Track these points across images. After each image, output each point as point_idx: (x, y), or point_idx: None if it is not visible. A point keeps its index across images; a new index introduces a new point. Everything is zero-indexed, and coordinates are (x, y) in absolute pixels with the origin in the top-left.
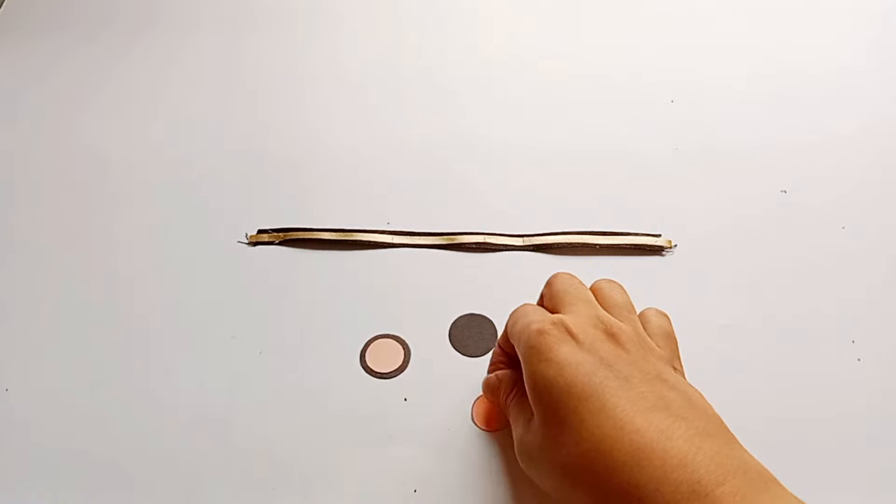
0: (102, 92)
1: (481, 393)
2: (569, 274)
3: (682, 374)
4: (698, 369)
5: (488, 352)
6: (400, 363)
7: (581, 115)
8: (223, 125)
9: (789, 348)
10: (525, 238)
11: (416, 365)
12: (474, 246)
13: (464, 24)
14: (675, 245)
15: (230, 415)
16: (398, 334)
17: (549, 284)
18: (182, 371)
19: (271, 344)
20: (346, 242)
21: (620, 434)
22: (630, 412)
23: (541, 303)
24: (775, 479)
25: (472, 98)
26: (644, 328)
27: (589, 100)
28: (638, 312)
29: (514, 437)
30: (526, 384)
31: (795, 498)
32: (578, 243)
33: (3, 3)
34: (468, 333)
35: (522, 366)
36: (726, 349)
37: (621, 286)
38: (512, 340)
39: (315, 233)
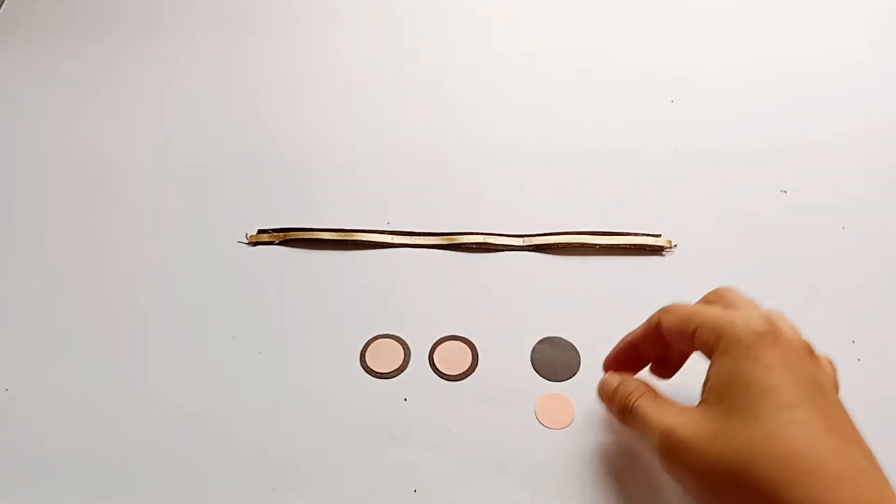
0: (102, 92)
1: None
2: (733, 289)
3: None
4: (698, 369)
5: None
6: (400, 363)
7: (581, 115)
8: (223, 125)
9: None
10: (525, 238)
11: (417, 365)
12: (474, 246)
13: (464, 24)
14: (675, 245)
15: (230, 415)
16: (398, 334)
17: (719, 294)
18: (182, 371)
19: (271, 344)
20: (346, 242)
21: (819, 451)
22: (831, 435)
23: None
24: None
25: (472, 98)
26: None
27: (589, 100)
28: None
29: (660, 429)
30: (715, 376)
31: None
32: (578, 243)
33: (2, 3)
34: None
35: (717, 356)
36: None
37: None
38: (692, 332)
39: (315, 233)
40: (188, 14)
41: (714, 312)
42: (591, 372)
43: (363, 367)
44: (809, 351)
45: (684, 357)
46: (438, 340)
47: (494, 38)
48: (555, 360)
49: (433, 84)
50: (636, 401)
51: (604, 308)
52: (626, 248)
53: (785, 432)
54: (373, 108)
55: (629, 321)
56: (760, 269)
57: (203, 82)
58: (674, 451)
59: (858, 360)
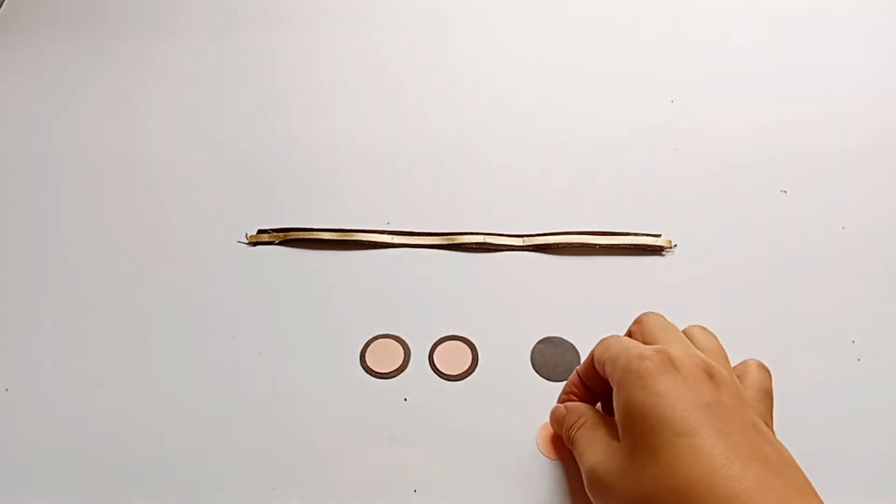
0: (101, 92)
1: (546, 422)
2: (660, 315)
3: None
4: None
5: (469, 373)
6: (400, 363)
7: (581, 115)
8: (223, 125)
9: (789, 348)
10: (525, 238)
11: (417, 365)
12: (474, 246)
13: (464, 24)
14: (675, 245)
15: (230, 415)
16: (398, 334)
17: (640, 322)
18: (182, 371)
19: (271, 344)
20: (346, 242)
21: (715, 477)
22: (728, 457)
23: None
24: None
25: (472, 98)
26: (741, 379)
27: (589, 100)
28: (740, 362)
29: (585, 466)
30: (617, 410)
31: None
32: (578, 243)
33: (2, 3)
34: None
35: (615, 391)
36: (726, 349)
37: (714, 335)
38: (603, 366)
39: (315, 233)
40: (188, 15)
41: (615, 347)
42: None
43: (363, 367)
44: (708, 374)
45: None
46: (438, 340)
47: (494, 38)
48: (555, 360)
49: (433, 84)
50: (575, 433)
51: (604, 308)
52: (626, 248)
53: (681, 463)
54: (373, 108)
55: (629, 321)
56: (760, 269)
57: (203, 82)
58: (596, 489)
59: (858, 360)
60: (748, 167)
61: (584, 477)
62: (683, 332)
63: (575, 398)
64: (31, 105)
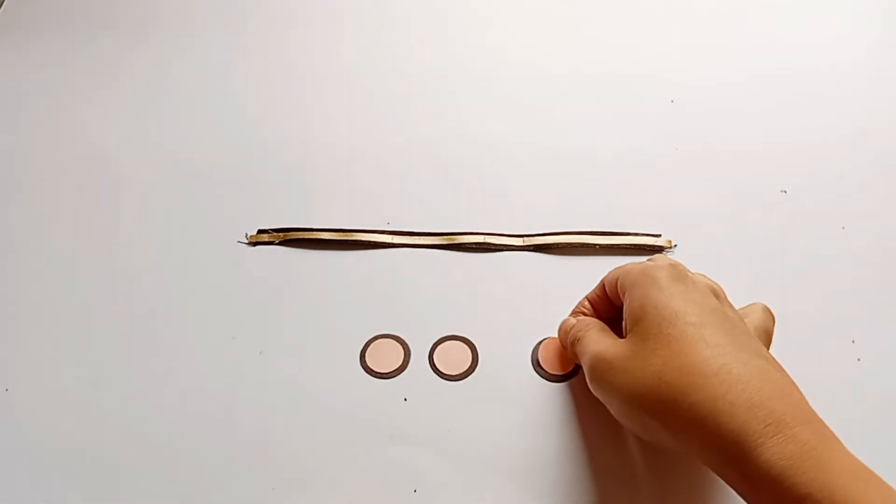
0: (102, 91)
1: (542, 338)
2: None
3: None
4: None
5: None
6: (400, 363)
7: (581, 115)
8: (223, 125)
9: (789, 348)
10: (525, 238)
11: (417, 365)
12: (474, 246)
13: (463, 23)
14: (675, 245)
15: (230, 415)
16: (398, 334)
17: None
18: (182, 371)
19: (271, 344)
20: (346, 242)
21: (722, 360)
22: (734, 348)
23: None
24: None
25: (473, 98)
26: (745, 317)
27: (589, 100)
28: (747, 304)
29: (589, 354)
30: (629, 308)
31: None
32: (578, 243)
33: (2, 2)
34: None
35: (628, 293)
36: None
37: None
38: (615, 282)
39: (315, 233)
40: (188, 14)
41: (622, 270)
42: None
43: (363, 367)
44: (714, 294)
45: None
46: (438, 340)
47: (494, 37)
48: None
49: (433, 84)
50: (583, 334)
51: None
52: (626, 248)
53: (691, 346)
54: (373, 108)
55: None
56: (760, 269)
57: (203, 82)
58: (599, 373)
59: (858, 360)
60: (748, 167)
61: (586, 369)
62: None
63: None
64: (31, 105)
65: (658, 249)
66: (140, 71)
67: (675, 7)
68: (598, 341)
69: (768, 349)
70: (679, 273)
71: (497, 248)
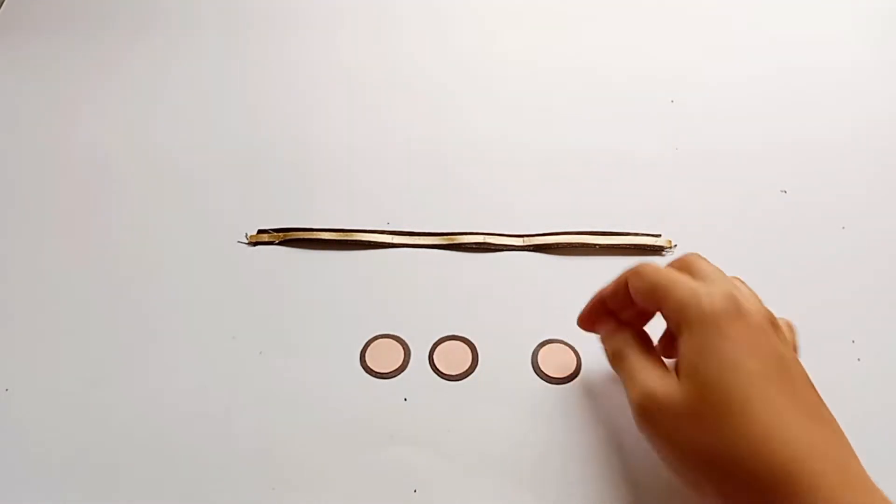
0: (102, 91)
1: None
2: (704, 257)
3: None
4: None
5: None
6: (400, 363)
7: (581, 115)
8: (223, 125)
9: None
10: (525, 238)
11: (417, 365)
12: (474, 246)
13: (463, 23)
14: (675, 245)
15: (230, 415)
16: (398, 334)
17: (687, 263)
18: (182, 371)
19: (271, 344)
20: (346, 242)
21: (789, 431)
22: (797, 412)
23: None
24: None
25: (473, 98)
26: None
27: (589, 100)
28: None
29: (638, 391)
30: (686, 350)
31: None
32: (578, 243)
33: (2, 2)
34: (452, 360)
35: (685, 334)
36: None
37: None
38: (653, 296)
39: (315, 233)
40: (187, 14)
41: (680, 287)
42: (592, 373)
43: (363, 367)
44: (773, 324)
45: (652, 314)
46: (438, 340)
47: (494, 37)
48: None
49: (433, 84)
50: (628, 351)
51: None
52: (626, 248)
53: (756, 410)
54: (373, 108)
55: None
56: (760, 269)
57: (202, 82)
58: (649, 414)
59: (858, 360)
60: (748, 167)
61: (633, 402)
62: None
63: (597, 323)
64: (31, 105)
65: (658, 249)
66: (139, 71)
67: (675, 7)
68: (645, 370)
69: None
70: (738, 311)
71: (497, 248)
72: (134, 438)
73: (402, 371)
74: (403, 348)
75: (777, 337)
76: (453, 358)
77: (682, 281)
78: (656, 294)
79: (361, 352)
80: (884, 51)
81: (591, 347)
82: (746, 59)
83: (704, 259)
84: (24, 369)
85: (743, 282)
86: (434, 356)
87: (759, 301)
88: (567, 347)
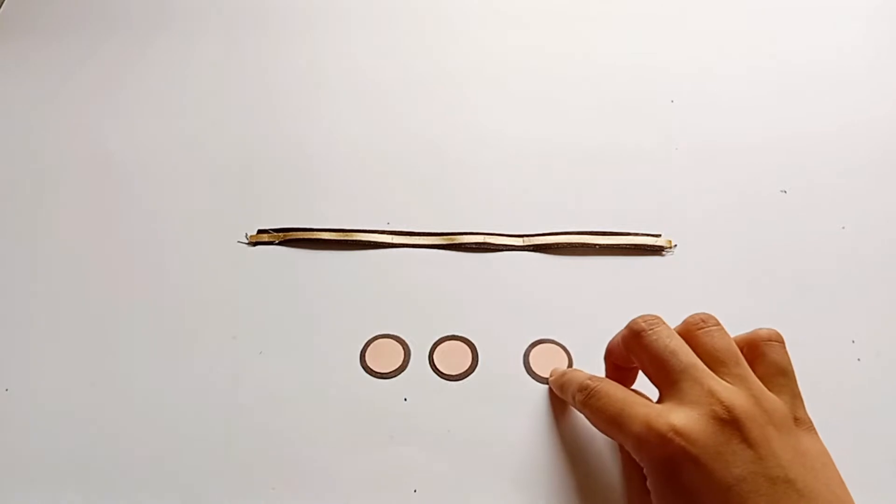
0: (102, 92)
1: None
2: (656, 317)
3: (806, 416)
4: None
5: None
6: (400, 363)
7: (581, 115)
8: (223, 125)
9: (789, 348)
10: (525, 238)
11: (417, 365)
12: (474, 246)
13: (463, 24)
14: (675, 245)
15: (230, 415)
16: (398, 334)
17: (637, 335)
18: (182, 371)
19: (271, 344)
20: (346, 242)
21: None
22: None
23: (618, 350)
24: None
25: (473, 98)
26: (754, 366)
27: (589, 100)
28: (745, 333)
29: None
30: (657, 492)
31: None
32: (578, 243)
33: (2, 2)
34: (452, 360)
35: (645, 470)
36: None
37: (719, 324)
38: (609, 431)
39: (315, 233)
40: (188, 15)
41: (607, 400)
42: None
43: (363, 367)
44: (728, 421)
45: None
46: (438, 340)
47: (494, 39)
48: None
49: (433, 84)
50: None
51: (604, 308)
52: (625, 248)
53: None
54: (373, 109)
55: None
56: (760, 269)
57: (202, 83)
58: None
59: (858, 360)
60: (748, 167)
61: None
62: (680, 331)
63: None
64: (31, 105)
65: (658, 249)
66: (139, 71)
67: (676, 7)
68: (627, 481)
69: (794, 383)
70: (680, 444)
71: (497, 248)
72: (134, 438)
73: (402, 371)
74: (403, 348)
75: (733, 445)
76: (453, 358)
77: (619, 401)
78: (613, 427)
79: (361, 352)
80: (883, 51)
81: (592, 345)
82: (746, 59)
83: (654, 326)
84: (24, 369)
85: (712, 332)
86: (434, 356)
87: (756, 393)
88: (559, 347)
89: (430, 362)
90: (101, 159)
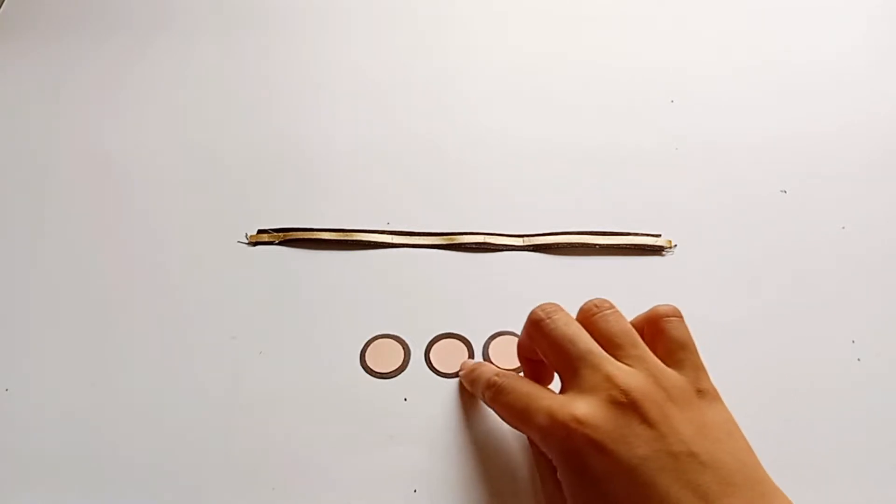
0: (102, 92)
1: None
2: (554, 305)
3: (710, 386)
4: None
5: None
6: (400, 363)
7: (581, 115)
8: (223, 126)
9: (789, 348)
10: (525, 238)
11: (417, 365)
12: (474, 246)
13: (463, 24)
14: (675, 245)
15: (230, 415)
16: (398, 334)
17: (536, 325)
18: (182, 371)
19: (271, 344)
20: (346, 242)
21: None
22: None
23: (525, 343)
24: None
25: (473, 99)
26: (655, 345)
27: (589, 100)
28: (644, 313)
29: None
30: (566, 482)
31: None
32: (578, 243)
33: (2, 2)
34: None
35: (554, 462)
36: (726, 349)
37: (613, 307)
38: (517, 426)
39: (315, 233)
40: (187, 16)
41: (512, 394)
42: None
43: (363, 367)
44: (627, 405)
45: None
46: (435, 338)
47: (494, 39)
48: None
49: (433, 84)
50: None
51: None
52: (625, 248)
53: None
54: (372, 109)
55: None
56: (760, 269)
57: (202, 83)
58: None
59: (858, 360)
60: (748, 167)
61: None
62: (579, 318)
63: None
64: (31, 105)
65: (658, 249)
66: (140, 72)
67: (676, 7)
68: (541, 477)
69: (695, 355)
70: (583, 432)
71: (497, 248)
72: (134, 438)
73: (402, 371)
74: (403, 348)
75: (633, 427)
76: (452, 357)
77: (524, 396)
78: (520, 421)
79: (361, 352)
80: (883, 51)
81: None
82: (746, 59)
83: (553, 314)
84: (24, 369)
85: (606, 316)
86: (430, 354)
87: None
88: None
89: (426, 360)
90: (100, 159)
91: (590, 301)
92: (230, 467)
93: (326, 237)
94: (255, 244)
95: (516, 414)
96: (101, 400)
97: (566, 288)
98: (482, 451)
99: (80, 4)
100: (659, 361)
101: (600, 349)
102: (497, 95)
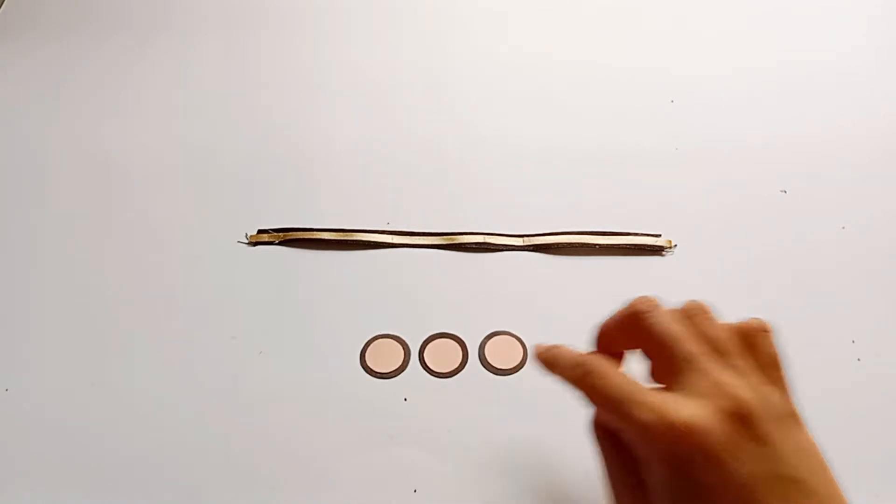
0: (102, 92)
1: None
2: (655, 300)
3: (797, 410)
4: None
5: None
6: (400, 363)
7: (582, 116)
8: (223, 126)
9: (789, 348)
10: (525, 238)
11: (417, 365)
12: (474, 246)
13: (464, 25)
14: (675, 245)
15: (230, 414)
16: (398, 334)
17: (638, 316)
18: (182, 371)
19: (271, 344)
20: (346, 242)
21: None
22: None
23: (611, 333)
24: None
25: (473, 99)
26: (751, 352)
27: (590, 100)
28: (738, 323)
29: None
30: (666, 486)
31: None
32: (578, 243)
33: (2, 2)
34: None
35: (647, 460)
36: None
37: (714, 314)
38: (607, 406)
39: (315, 233)
40: (188, 16)
41: (643, 406)
42: None
43: (363, 367)
44: (740, 418)
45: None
46: (428, 338)
47: (494, 39)
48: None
49: (433, 85)
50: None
51: (604, 308)
52: (626, 248)
53: None
54: (373, 109)
55: None
56: (760, 269)
57: (202, 83)
58: None
59: (858, 360)
60: (748, 167)
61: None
62: (687, 317)
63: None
64: (31, 105)
65: (658, 249)
66: (140, 72)
67: (676, 7)
68: (614, 482)
69: (783, 372)
70: (717, 439)
71: (497, 248)
72: (134, 438)
73: (402, 371)
74: (403, 348)
75: (744, 442)
76: (450, 358)
77: (647, 397)
78: (617, 410)
79: (361, 352)
80: (883, 51)
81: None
82: (746, 59)
83: (662, 310)
84: (24, 369)
85: (710, 321)
86: (424, 354)
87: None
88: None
89: (420, 360)
90: (100, 159)
91: (693, 302)
92: (230, 467)
93: (326, 237)
94: (255, 244)
95: (613, 401)
96: (101, 400)
97: (566, 288)
98: (482, 452)
99: (80, 4)
100: (761, 375)
101: (706, 352)
102: (497, 95)
